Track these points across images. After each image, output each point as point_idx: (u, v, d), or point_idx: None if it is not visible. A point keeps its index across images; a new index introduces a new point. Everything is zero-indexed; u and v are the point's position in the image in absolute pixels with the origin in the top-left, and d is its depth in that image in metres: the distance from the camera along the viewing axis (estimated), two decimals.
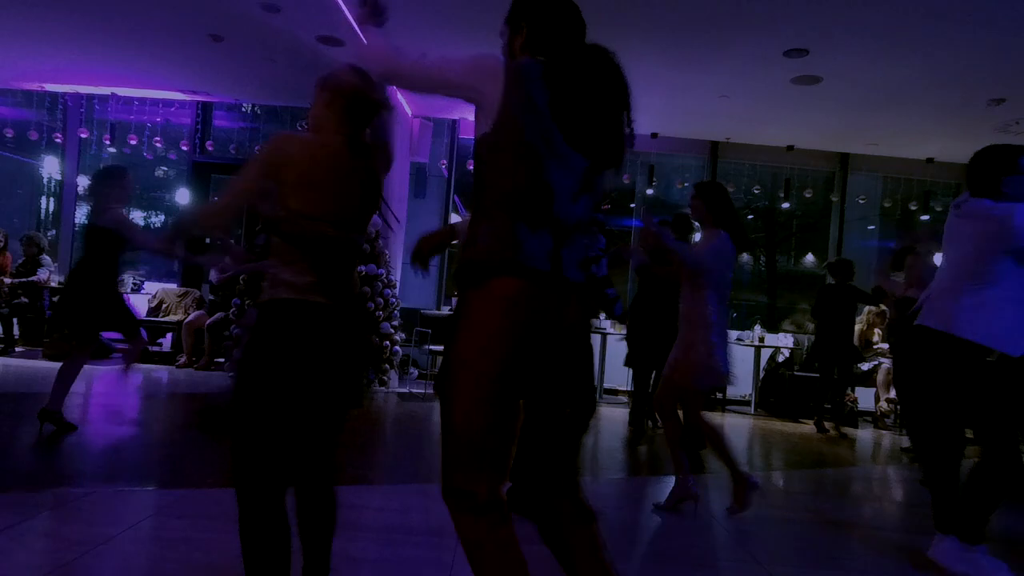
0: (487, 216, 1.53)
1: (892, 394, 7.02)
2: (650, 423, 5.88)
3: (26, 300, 7.64)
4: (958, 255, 2.87)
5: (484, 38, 1.75)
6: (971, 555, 2.68)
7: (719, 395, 7.65)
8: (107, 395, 5.84)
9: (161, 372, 7.02)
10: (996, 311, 2.72)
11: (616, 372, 7.07)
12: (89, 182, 4.27)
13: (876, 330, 7.40)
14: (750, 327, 7.94)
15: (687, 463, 3.37)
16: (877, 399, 7.21)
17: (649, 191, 8.39)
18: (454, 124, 8.46)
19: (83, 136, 8.52)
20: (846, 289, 6.45)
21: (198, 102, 8.54)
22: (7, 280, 7.53)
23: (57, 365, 4.17)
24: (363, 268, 5.87)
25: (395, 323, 6.42)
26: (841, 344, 6.46)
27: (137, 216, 10.15)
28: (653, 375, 5.19)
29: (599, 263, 2.98)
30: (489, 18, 1.93)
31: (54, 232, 9.10)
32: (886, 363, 7.00)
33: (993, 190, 2.79)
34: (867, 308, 7.28)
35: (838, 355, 6.49)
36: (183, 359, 7.39)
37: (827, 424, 6.56)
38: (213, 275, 7.42)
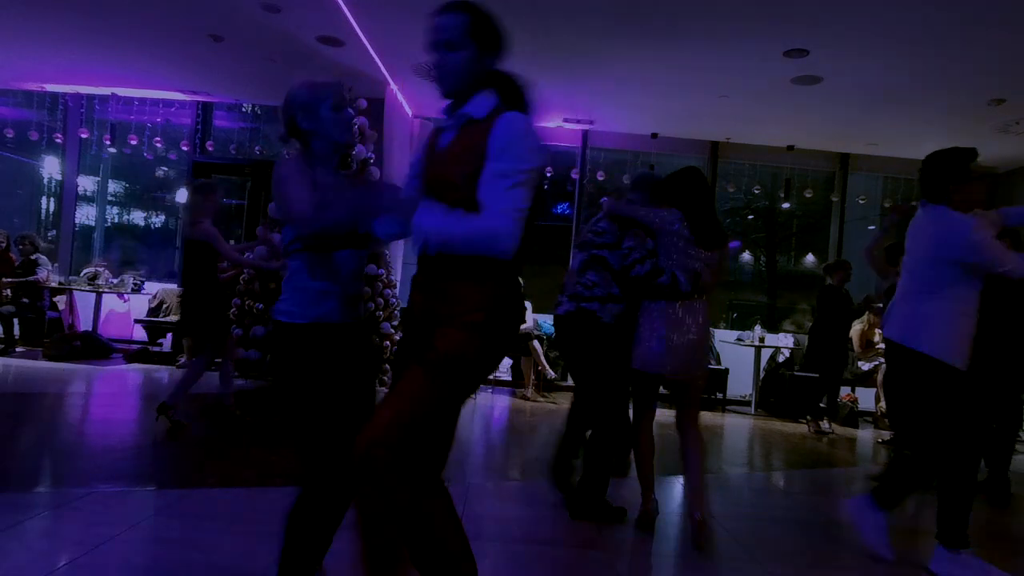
0: (494, 273, 1.65)
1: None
2: None
3: (26, 300, 7.65)
4: (914, 261, 2.91)
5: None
6: (960, 558, 2.73)
7: (719, 395, 7.66)
8: (107, 395, 5.84)
9: (161, 372, 7.03)
10: (945, 323, 2.77)
11: None
12: (186, 195, 4.51)
13: (877, 330, 7.40)
14: (750, 327, 7.94)
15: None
16: (877, 399, 7.20)
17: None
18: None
19: (83, 136, 8.53)
20: (842, 292, 6.45)
21: (198, 102, 8.54)
22: (7, 280, 7.53)
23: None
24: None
25: (395, 323, 6.42)
26: (832, 345, 6.44)
27: (138, 216, 10.15)
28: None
29: (645, 263, 3.02)
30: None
31: (54, 232, 9.11)
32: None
33: (944, 197, 2.82)
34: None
35: (828, 356, 6.47)
36: (183, 359, 7.39)
37: (813, 424, 6.59)
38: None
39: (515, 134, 1.60)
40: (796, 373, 7.49)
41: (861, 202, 8.66)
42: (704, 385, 3.24)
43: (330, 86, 1.96)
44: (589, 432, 3.29)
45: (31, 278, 7.58)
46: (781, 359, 7.96)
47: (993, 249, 2.68)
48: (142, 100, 8.38)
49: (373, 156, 6.22)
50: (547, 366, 7.27)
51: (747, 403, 7.75)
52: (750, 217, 10.27)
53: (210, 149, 8.71)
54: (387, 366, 6.38)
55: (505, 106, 1.68)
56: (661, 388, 3.21)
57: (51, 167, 9.14)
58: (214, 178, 8.57)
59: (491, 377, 7.62)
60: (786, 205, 8.86)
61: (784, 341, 8.01)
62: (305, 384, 1.87)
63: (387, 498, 1.58)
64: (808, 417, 6.64)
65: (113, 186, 9.89)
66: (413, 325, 1.77)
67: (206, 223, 4.28)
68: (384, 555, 1.82)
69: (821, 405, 6.71)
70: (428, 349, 1.63)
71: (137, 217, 10.12)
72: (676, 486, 4.02)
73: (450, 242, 1.61)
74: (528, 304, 7.43)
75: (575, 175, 8.39)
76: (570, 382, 7.60)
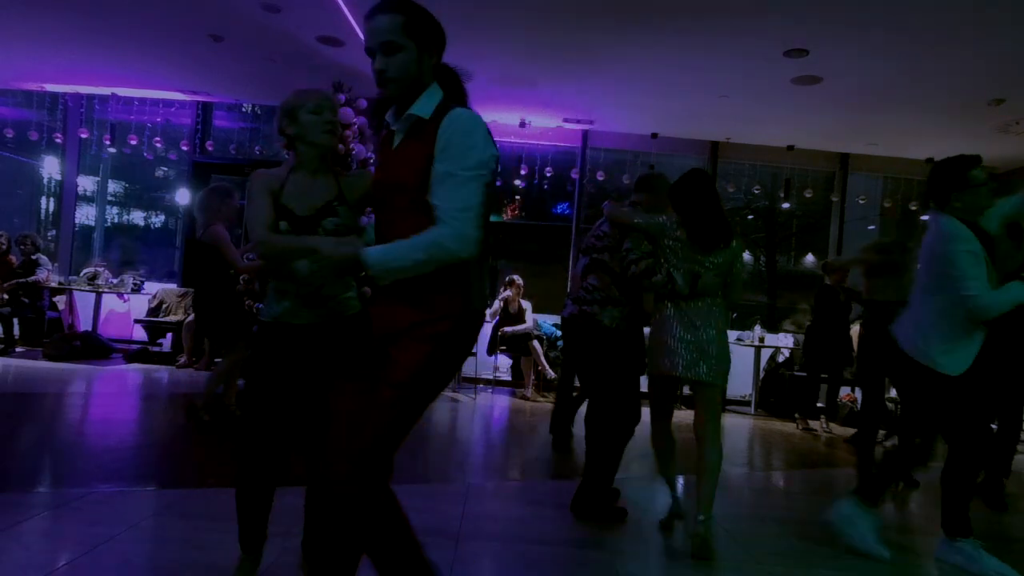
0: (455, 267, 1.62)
1: (892, 393, 7.02)
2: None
3: (26, 300, 7.65)
4: (920, 267, 3.04)
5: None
6: (956, 546, 2.87)
7: None
8: (107, 395, 5.84)
9: (161, 372, 7.02)
10: (929, 328, 2.89)
11: None
12: (198, 198, 4.50)
13: None
14: (750, 327, 7.94)
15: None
16: None
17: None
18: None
19: (83, 136, 8.53)
20: (840, 290, 6.44)
21: (198, 102, 8.54)
22: (7, 284, 7.53)
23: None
24: None
25: None
26: (833, 345, 6.44)
27: (138, 216, 10.15)
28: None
29: (639, 263, 3.04)
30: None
31: (54, 232, 9.11)
32: None
33: (946, 205, 2.92)
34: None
35: (829, 356, 6.48)
36: (183, 359, 7.39)
37: (802, 421, 6.70)
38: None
39: (458, 131, 1.57)
40: (796, 373, 7.49)
41: (861, 202, 8.66)
42: (721, 390, 3.03)
43: (311, 92, 2.06)
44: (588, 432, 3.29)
45: (31, 278, 7.58)
46: (781, 359, 7.96)
47: (961, 268, 2.77)
48: (142, 100, 8.38)
49: (373, 156, 6.22)
50: (547, 366, 7.27)
51: (747, 403, 7.75)
52: (750, 217, 10.27)
53: (210, 149, 8.71)
54: None
55: (450, 102, 1.65)
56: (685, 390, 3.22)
57: (51, 167, 9.14)
58: (215, 178, 8.60)
59: (491, 377, 7.63)
60: (786, 205, 8.86)
61: (784, 341, 8.01)
62: (255, 377, 2.03)
63: (354, 521, 1.59)
64: (797, 415, 6.70)
65: (113, 186, 9.90)
66: (373, 332, 1.73)
67: (219, 227, 4.30)
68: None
69: (820, 404, 6.72)
70: (391, 364, 1.60)
71: (137, 217, 10.13)
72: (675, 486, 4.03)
73: (404, 268, 1.56)
74: (528, 304, 7.43)
75: (575, 175, 8.39)
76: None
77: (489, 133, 1.62)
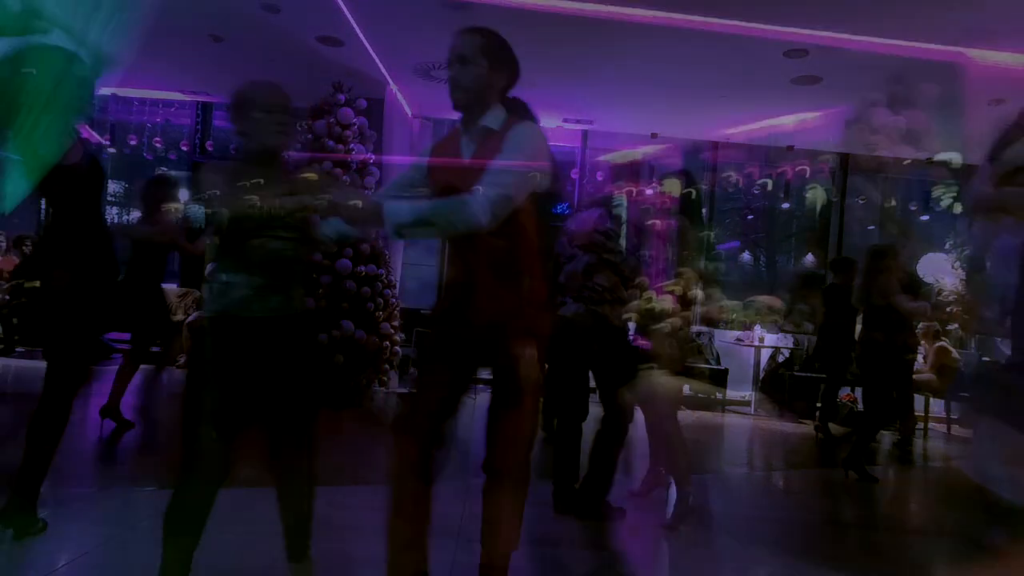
0: (528, 276, 1.88)
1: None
2: None
3: (26, 300, 7.64)
4: None
5: None
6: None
7: (719, 395, 7.65)
8: (107, 395, 5.82)
9: (161, 373, 7.01)
10: None
11: None
12: (139, 188, 4.57)
13: None
14: (750, 327, 7.94)
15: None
16: None
17: (648, 191, 8.38)
18: (454, 124, 8.46)
19: (83, 136, 8.51)
20: (847, 289, 6.43)
21: (198, 102, 8.54)
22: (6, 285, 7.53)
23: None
24: (363, 268, 5.86)
25: (395, 323, 6.41)
26: (839, 344, 6.44)
27: (138, 216, 10.15)
28: None
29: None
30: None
31: None
32: None
33: None
34: None
35: (834, 355, 6.47)
36: (183, 359, 7.38)
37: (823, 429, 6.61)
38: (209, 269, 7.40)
39: (517, 135, 1.78)
40: (796, 373, 7.48)
41: (861, 202, 8.66)
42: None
43: (265, 87, 1.99)
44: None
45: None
46: (781, 359, 7.95)
47: None
48: (142, 100, 8.38)
49: (373, 156, 6.22)
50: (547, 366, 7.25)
51: (747, 403, 7.74)
52: (750, 217, 10.27)
53: (210, 149, 8.71)
54: (386, 366, 6.38)
55: (518, 117, 1.87)
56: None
57: None
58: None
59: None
60: (786, 205, 8.86)
61: (784, 341, 8.01)
62: (197, 373, 1.93)
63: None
64: (817, 422, 6.54)
65: (113, 186, 9.89)
66: (465, 330, 2.00)
67: (163, 217, 4.33)
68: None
69: (818, 404, 6.69)
70: (510, 368, 1.99)
71: (137, 217, 10.13)
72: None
73: (421, 216, 1.72)
74: None
75: (575, 175, 8.39)
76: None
77: (546, 148, 1.82)
